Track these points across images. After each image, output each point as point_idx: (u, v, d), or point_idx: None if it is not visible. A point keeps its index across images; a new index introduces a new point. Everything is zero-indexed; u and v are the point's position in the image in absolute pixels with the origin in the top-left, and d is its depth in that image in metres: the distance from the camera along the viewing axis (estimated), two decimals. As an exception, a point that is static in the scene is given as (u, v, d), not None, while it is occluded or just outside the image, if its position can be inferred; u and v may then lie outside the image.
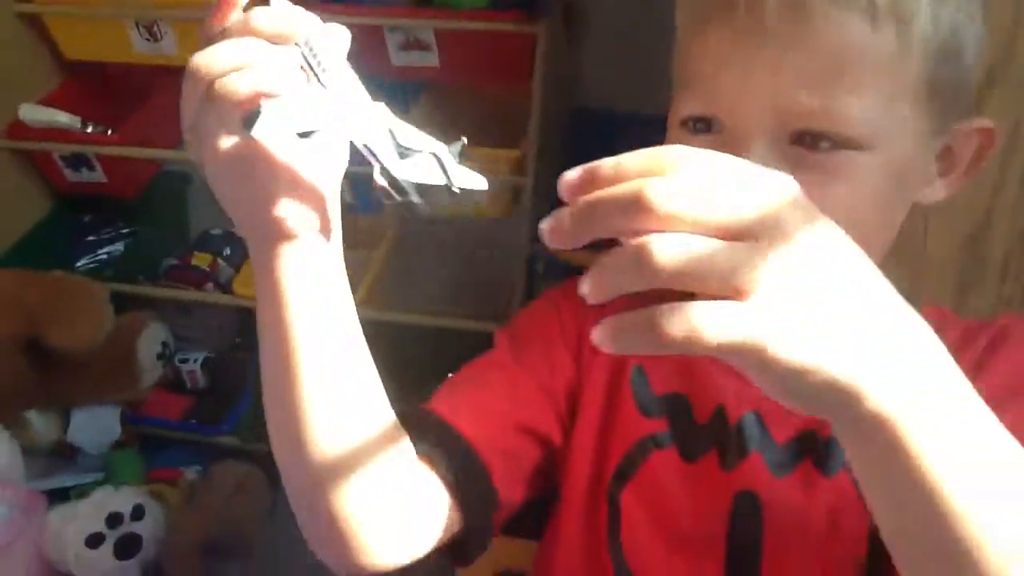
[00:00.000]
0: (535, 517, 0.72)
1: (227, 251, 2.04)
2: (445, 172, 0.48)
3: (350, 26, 1.67)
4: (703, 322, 0.35)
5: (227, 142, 0.48)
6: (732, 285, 0.35)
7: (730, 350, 0.35)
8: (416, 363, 1.93)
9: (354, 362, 0.55)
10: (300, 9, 0.50)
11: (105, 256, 2.13)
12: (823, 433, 0.60)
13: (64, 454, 1.83)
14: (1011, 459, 0.41)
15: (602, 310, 0.38)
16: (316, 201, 0.51)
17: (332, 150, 0.52)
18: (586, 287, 0.38)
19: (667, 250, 0.35)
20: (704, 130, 0.59)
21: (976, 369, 0.59)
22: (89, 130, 1.95)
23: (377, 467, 0.58)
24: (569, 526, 0.68)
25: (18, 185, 2.07)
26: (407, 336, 1.83)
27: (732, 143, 0.56)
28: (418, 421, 0.63)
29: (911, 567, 0.42)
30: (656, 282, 0.36)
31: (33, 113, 1.93)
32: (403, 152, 0.49)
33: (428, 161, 0.49)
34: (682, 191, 0.36)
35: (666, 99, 0.64)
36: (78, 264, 2.11)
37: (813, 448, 0.60)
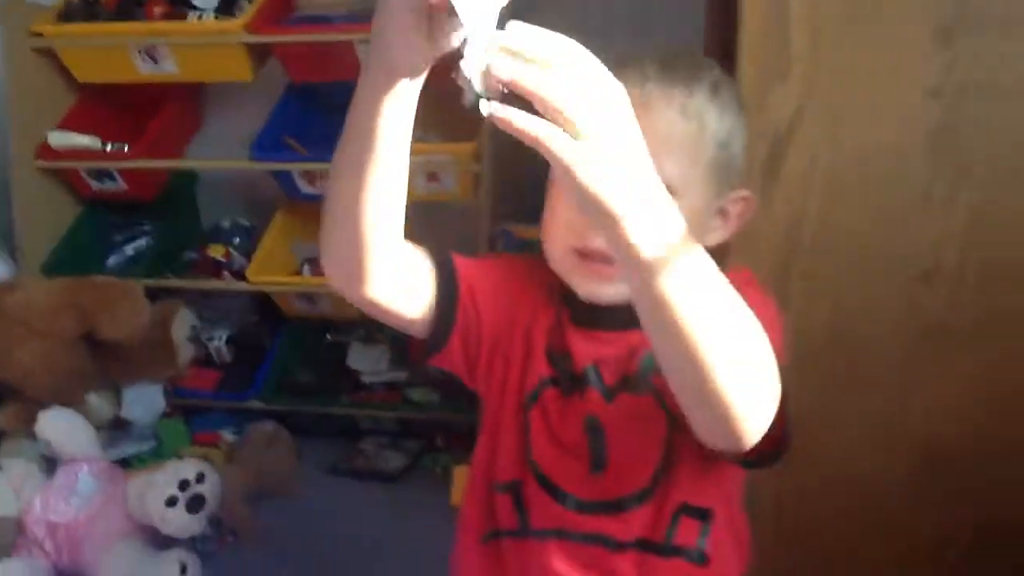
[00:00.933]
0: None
1: (237, 240, 2.35)
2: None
3: (323, 44, 2.07)
4: (552, 140, 0.59)
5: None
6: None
7: (556, 164, 0.60)
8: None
9: (401, 159, 0.77)
10: None
11: (132, 252, 2.43)
12: (631, 374, 0.90)
13: (120, 427, 2.16)
14: (722, 285, 0.67)
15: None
16: (425, 54, 0.69)
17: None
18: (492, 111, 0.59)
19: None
20: None
21: None
22: (108, 148, 2.24)
23: (395, 233, 0.81)
24: (504, 430, 0.94)
25: (50, 196, 2.36)
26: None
27: None
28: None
29: (674, 378, 0.70)
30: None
31: (60, 139, 2.22)
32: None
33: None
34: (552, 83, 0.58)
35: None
36: (108, 261, 2.41)
37: (626, 385, 0.90)
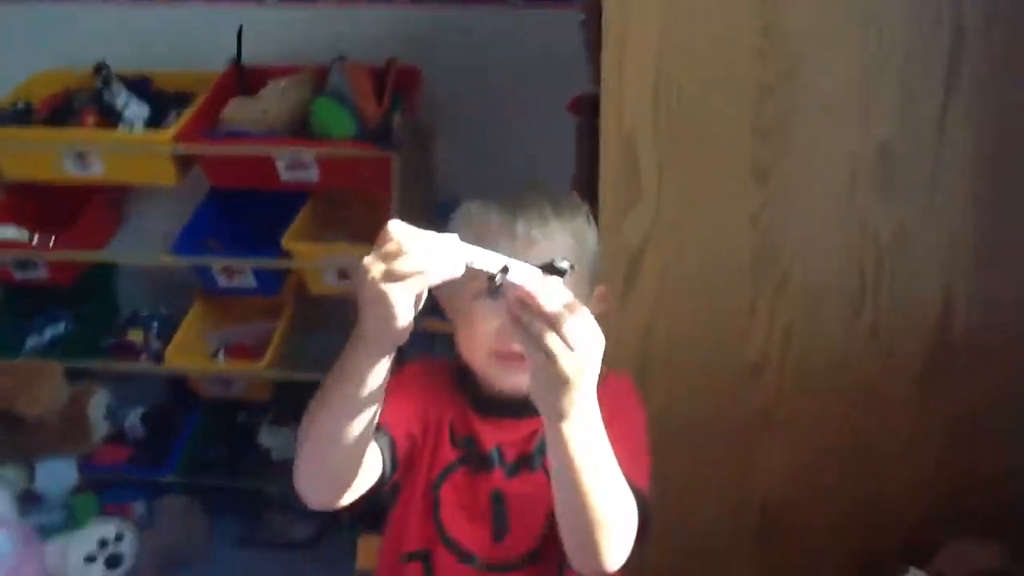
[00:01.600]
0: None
1: (155, 326, 2.50)
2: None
3: (244, 156, 2.29)
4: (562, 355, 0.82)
5: (378, 292, 0.81)
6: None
7: (537, 359, 0.82)
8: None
9: (372, 409, 0.93)
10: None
11: (50, 336, 2.54)
12: (527, 454, 1.12)
13: (32, 500, 2.24)
14: (609, 462, 0.91)
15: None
16: (404, 333, 0.86)
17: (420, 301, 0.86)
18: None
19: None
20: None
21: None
22: (34, 242, 2.38)
23: (360, 456, 0.99)
24: (413, 508, 1.14)
25: (-30, 285, 2.47)
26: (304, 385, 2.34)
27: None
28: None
29: (563, 518, 0.94)
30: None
31: (-13, 229, 2.35)
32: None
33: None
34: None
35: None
36: (27, 344, 2.52)
37: (524, 461, 1.11)
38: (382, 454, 1.05)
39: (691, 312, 1.45)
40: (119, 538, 1.83)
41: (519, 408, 1.05)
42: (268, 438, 2.46)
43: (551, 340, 0.82)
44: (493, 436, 1.12)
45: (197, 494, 2.31)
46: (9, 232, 2.35)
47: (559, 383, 0.83)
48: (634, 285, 1.45)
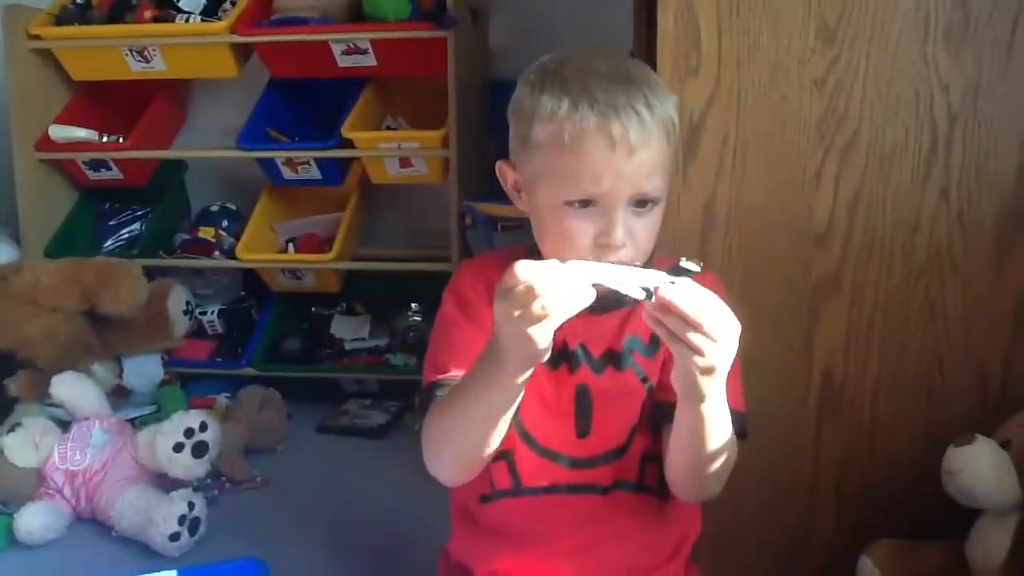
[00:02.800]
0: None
1: (225, 223, 2.56)
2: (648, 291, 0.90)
3: (301, 43, 2.34)
4: (694, 340, 0.87)
5: (525, 330, 0.88)
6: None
7: (681, 353, 0.89)
8: (387, 295, 2.47)
9: (513, 411, 1.00)
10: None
11: (127, 236, 2.63)
12: (616, 351, 1.11)
13: (122, 395, 2.36)
14: (726, 420, 0.98)
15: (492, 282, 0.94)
16: (545, 355, 0.93)
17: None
18: None
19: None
20: (584, 205, 1.00)
21: None
22: (104, 140, 2.43)
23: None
24: None
25: (50, 186, 2.56)
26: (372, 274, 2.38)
27: (605, 210, 1.00)
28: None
29: (680, 466, 1.02)
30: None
31: (60, 132, 2.41)
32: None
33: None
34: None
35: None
36: (105, 245, 2.61)
37: (611, 359, 1.10)
38: None
39: (754, 181, 1.41)
40: (203, 428, 1.90)
41: (605, 302, 1.00)
42: (341, 329, 2.52)
43: (694, 338, 0.88)
44: (577, 333, 1.09)
45: (276, 385, 2.38)
46: (80, 133, 2.41)
47: (704, 373, 0.90)
48: (695, 156, 1.40)
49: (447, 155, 2.19)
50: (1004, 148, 1.34)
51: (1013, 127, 1.33)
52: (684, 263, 0.93)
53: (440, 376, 1.07)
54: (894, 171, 1.38)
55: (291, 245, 2.47)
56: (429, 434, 1.05)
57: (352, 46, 2.22)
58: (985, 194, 1.36)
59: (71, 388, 2.06)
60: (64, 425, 2.07)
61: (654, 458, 1.10)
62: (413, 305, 2.46)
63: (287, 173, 2.37)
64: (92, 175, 2.53)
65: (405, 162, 2.27)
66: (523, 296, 0.85)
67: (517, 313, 0.86)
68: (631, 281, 0.90)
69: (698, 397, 0.93)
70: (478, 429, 1.00)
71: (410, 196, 2.41)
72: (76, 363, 2.21)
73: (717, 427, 0.98)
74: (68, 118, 2.48)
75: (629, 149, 0.99)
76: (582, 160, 1.00)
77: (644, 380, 1.10)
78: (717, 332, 0.89)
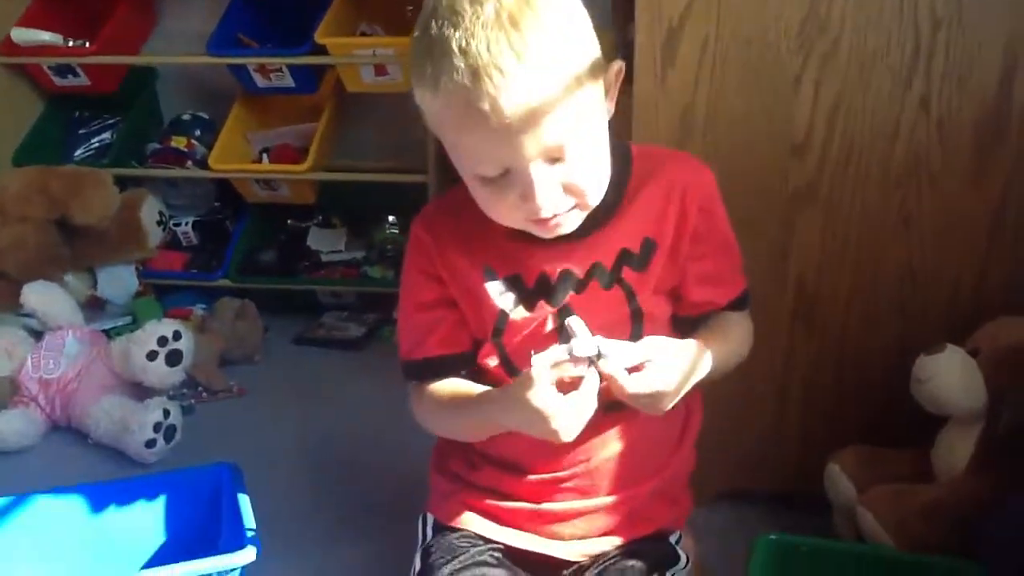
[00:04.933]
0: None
1: (197, 132, 2.50)
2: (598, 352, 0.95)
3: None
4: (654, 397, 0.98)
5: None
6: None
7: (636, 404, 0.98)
8: (364, 208, 2.44)
9: None
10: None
11: (97, 145, 2.57)
12: (607, 267, 1.05)
13: (96, 306, 2.35)
14: (712, 358, 1.03)
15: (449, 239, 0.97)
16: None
17: None
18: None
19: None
20: (499, 175, 0.93)
21: (687, 211, 1.06)
22: (70, 44, 2.36)
23: None
24: (488, 362, 1.09)
25: (14, 92, 2.48)
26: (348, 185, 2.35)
27: (519, 177, 0.92)
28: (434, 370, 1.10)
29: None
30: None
31: (22, 35, 2.33)
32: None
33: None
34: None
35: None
36: (75, 154, 2.55)
37: (596, 274, 1.04)
38: (461, 374, 1.11)
39: (733, 87, 1.38)
40: (177, 336, 1.89)
41: (572, 232, 1.01)
42: (318, 241, 2.50)
43: (644, 399, 0.98)
44: (554, 262, 1.04)
45: (252, 297, 2.37)
46: (43, 36, 2.34)
47: (661, 408, 1.00)
48: (673, 61, 1.37)
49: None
50: (987, 56, 1.32)
51: (997, 33, 1.31)
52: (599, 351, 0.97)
53: (421, 356, 1.11)
54: (874, 78, 1.35)
55: (265, 155, 2.42)
56: (424, 419, 1.13)
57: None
58: (966, 104, 1.34)
59: (42, 297, 2.05)
60: (38, 335, 2.05)
61: None
62: (390, 217, 2.44)
63: (260, 80, 2.31)
64: (59, 81, 2.46)
65: (380, 70, 2.22)
66: (540, 422, 0.95)
67: (535, 430, 0.97)
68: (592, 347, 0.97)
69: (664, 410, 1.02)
70: (473, 437, 1.11)
71: (386, 106, 2.36)
72: (48, 273, 2.19)
73: (709, 372, 1.05)
74: (31, 21, 2.40)
75: (504, 115, 0.87)
76: (466, 139, 0.93)
77: (630, 297, 1.05)
78: (663, 381, 0.98)
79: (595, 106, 0.96)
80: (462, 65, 0.87)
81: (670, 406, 1.00)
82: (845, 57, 1.34)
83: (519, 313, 1.05)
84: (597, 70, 0.96)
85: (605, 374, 0.96)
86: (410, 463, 1.31)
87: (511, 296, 1.05)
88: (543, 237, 1.00)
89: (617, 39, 1.53)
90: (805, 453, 1.52)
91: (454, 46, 0.87)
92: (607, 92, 1.00)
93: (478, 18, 0.87)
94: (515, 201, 0.94)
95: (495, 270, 1.06)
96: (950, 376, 1.30)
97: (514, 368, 1.06)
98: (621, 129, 1.40)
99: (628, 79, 1.30)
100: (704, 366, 1.03)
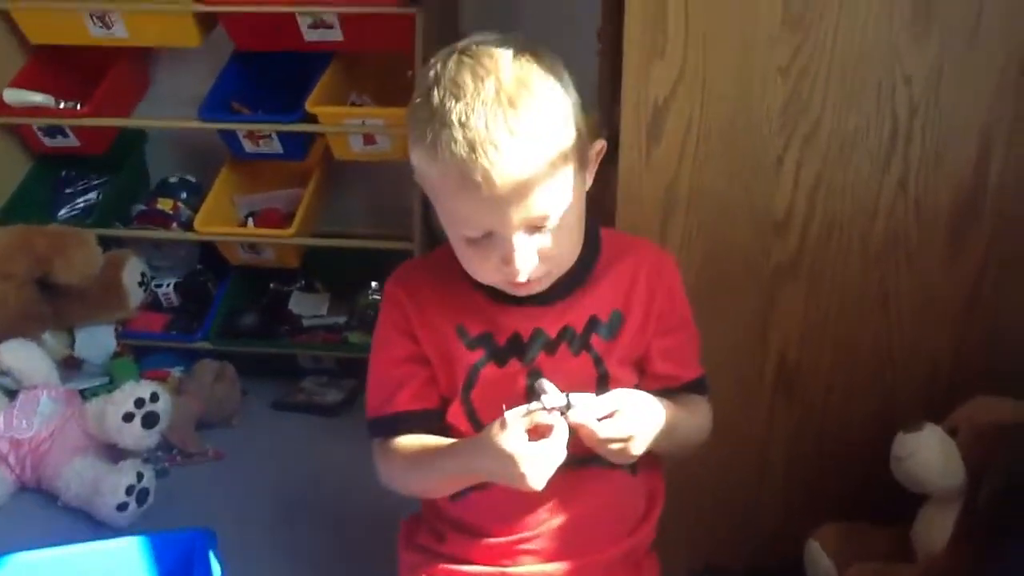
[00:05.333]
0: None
1: (184, 194, 2.52)
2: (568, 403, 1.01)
3: (267, 15, 2.36)
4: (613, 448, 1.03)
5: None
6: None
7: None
8: (347, 273, 2.45)
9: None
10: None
11: (83, 205, 2.57)
12: (577, 331, 1.10)
13: (74, 366, 2.32)
14: (677, 426, 1.09)
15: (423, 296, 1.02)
16: None
17: None
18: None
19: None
20: (481, 237, 1.00)
21: (654, 290, 1.13)
22: (62, 106, 2.38)
23: None
24: (455, 418, 1.13)
25: (2, 151, 2.49)
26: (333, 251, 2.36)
27: (500, 241, 0.99)
28: (404, 426, 1.13)
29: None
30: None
31: (15, 96, 2.35)
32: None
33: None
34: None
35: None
36: (60, 214, 2.55)
37: (567, 338, 1.09)
38: (430, 431, 1.13)
39: (716, 166, 1.41)
40: (154, 398, 1.87)
41: (545, 294, 1.08)
42: (298, 305, 2.50)
43: (613, 447, 1.02)
44: (527, 322, 1.09)
45: (232, 360, 2.34)
46: (36, 98, 2.36)
47: (631, 453, 1.04)
48: (659, 139, 1.40)
49: (411, 132, 2.17)
50: (962, 140, 1.36)
51: (972, 119, 1.35)
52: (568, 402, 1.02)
53: (391, 411, 1.13)
54: (854, 160, 1.39)
55: (251, 219, 2.44)
56: (391, 476, 1.15)
57: (319, 20, 2.19)
58: (943, 185, 1.38)
59: (19, 356, 2.02)
60: (11, 394, 2.03)
61: None
62: (373, 283, 2.44)
63: (248, 146, 2.33)
64: (48, 142, 2.47)
65: (369, 139, 2.25)
66: (510, 466, 0.98)
67: (504, 474, 1.00)
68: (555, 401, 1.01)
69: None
70: (441, 491, 1.12)
71: (373, 174, 2.39)
72: (26, 331, 2.16)
73: (670, 443, 1.09)
74: (24, 82, 2.42)
75: (496, 187, 0.94)
76: (456, 204, 1.00)
77: (597, 362, 1.10)
78: (630, 430, 1.02)
79: (577, 181, 1.03)
80: (461, 137, 0.94)
81: (639, 452, 1.04)
82: (826, 139, 1.38)
83: (490, 369, 1.09)
84: (582, 148, 1.04)
85: (575, 423, 1.01)
86: (387, 531, 1.29)
87: (483, 352, 1.10)
88: (516, 295, 1.07)
89: (602, 118, 1.57)
90: (785, 528, 1.52)
91: (454, 118, 0.94)
92: (588, 168, 1.09)
93: (479, 95, 0.94)
94: (496, 263, 1.01)
95: (468, 327, 1.10)
96: (929, 454, 1.31)
97: (480, 425, 1.09)
98: (607, 203, 1.44)
99: (613, 155, 1.34)
100: (671, 421, 1.08)
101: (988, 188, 1.37)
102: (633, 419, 1.03)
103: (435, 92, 0.97)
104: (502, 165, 0.94)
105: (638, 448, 1.04)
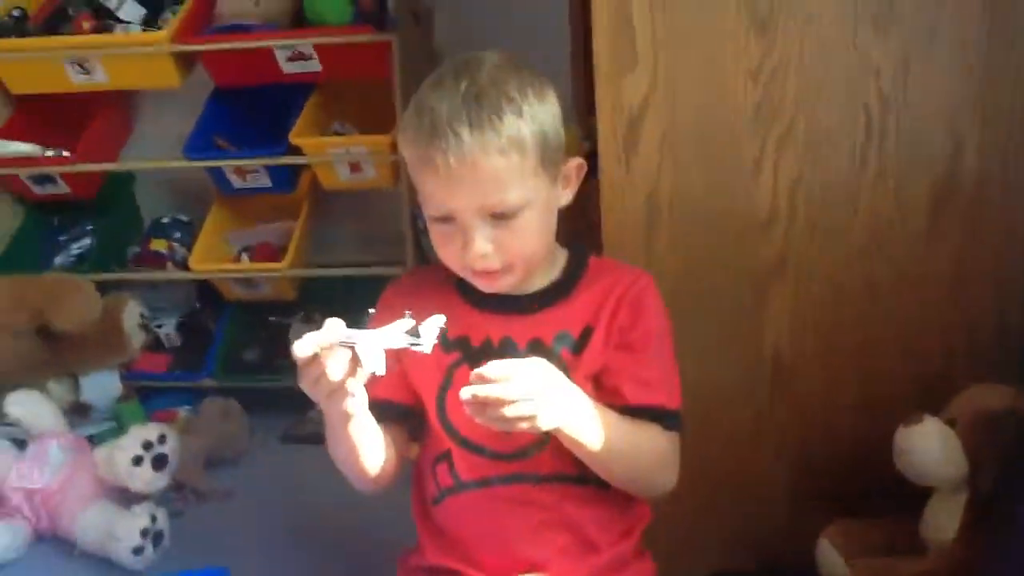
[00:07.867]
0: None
1: (177, 234, 2.53)
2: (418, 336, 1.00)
3: (245, 50, 2.37)
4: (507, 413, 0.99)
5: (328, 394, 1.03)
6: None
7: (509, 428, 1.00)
8: (344, 302, 2.45)
9: (370, 436, 1.12)
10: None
11: (77, 251, 2.59)
12: (546, 343, 1.15)
13: (80, 412, 2.34)
14: (621, 433, 1.08)
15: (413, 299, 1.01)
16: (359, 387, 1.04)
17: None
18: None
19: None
20: (447, 220, 1.09)
21: (620, 304, 1.15)
22: (49, 154, 2.39)
23: (383, 462, 1.16)
24: (432, 417, 1.19)
25: (-6, 202, 2.51)
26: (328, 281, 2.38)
27: (462, 226, 1.07)
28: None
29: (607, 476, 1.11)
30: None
31: (1, 147, 2.37)
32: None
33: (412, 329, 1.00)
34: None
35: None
36: (56, 261, 2.57)
37: (536, 351, 1.13)
38: (402, 427, 1.20)
39: (695, 172, 1.43)
40: (162, 440, 1.89)
41: (522, 304, 1.16)
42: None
43: (506, 412, 0.99)
44: (499, 329, 1.16)
45: (238, 395, 2.35)
46: (23, 147, 2.37)
47: (537, 427, 1.02)
48: (636, 149, 1.42)
49: (396, 159, 2.19)
50: (934, 129, 1.37)
51: (942, 109, 1.36)
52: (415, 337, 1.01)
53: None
54: (832, 156, 1.40)
55: (245, 254, 2.45)
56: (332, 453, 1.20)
57: (296, 52, 2.21)
58: (920, 175, 1.39)
59: (25, 406, 2.04)
60: (21, 444, 2.04)
61: None
62: (371, 310, 2.44)
63: (236, 181, 2.35)
64: (38, 190, 2.49)
65: (355, 167, 2.26)
66: (310, 371, 1.03)
67: (308, 387, 1.05)
68: (379, 341, 1.00)
69: (569, 443, 1.08)
70: (347, 461, 1.16)
71: (363, 201, 2.40)
72: (30, 381, 2.18)
73: (604, 445, 1.08)
74: (9, 133, 2.43)
75: (452, 169, 1.04)
76: (421, 181, 1.10)
77: (564, 373, 1.11)
78: (524, 392, 0.99)
79: (544, 187, 1.10)
80: (428, 121, 1.05)
81: (547, 419, 1.02)
82: (801, 138, 1.40)
83: (464, 371, 1.13)
84: (550, 156, 1.10)
85: (481, 396, 1.00)
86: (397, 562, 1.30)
87: (459, 354, 1.16)
88: (485, 291, 1.14)
89: (580, 132, 1.58)
90: (794, 528, 1.52)
91: (428, 104, 1.06)
92: (564, 182, 1.15)
93: (455, 90, 1.06)
94: (458, 249, 1.10)
95: (448, 329, 1.13)
96: (930, 446, 1.32)
97: (450, 425, 1.16)
98: (591, 214, 1.45)
99: (595, 168, 1.35)
100: (605, 419, 1.10)
101: (964, 173, 1.38)
102: (529, 380, 1.01)
103: (426, 85, 1.10)
104: (457, 149, 1.03)
105: (545, 415, 1.01)
